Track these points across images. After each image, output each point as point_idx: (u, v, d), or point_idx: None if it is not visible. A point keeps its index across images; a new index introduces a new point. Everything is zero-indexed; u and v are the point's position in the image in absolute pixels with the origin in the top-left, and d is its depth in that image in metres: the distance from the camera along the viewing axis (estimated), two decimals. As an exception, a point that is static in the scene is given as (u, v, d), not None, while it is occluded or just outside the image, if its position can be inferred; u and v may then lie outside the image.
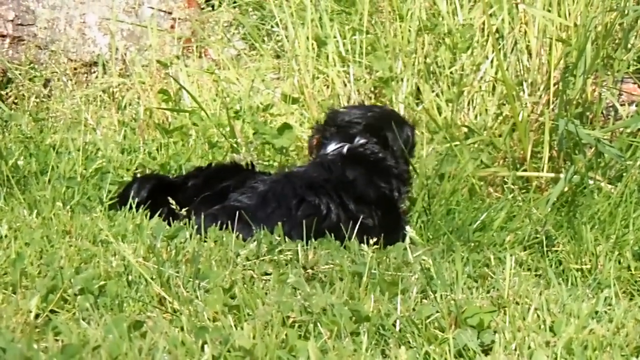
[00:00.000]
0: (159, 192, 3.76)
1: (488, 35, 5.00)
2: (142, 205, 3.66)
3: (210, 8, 6.32)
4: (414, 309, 2.68)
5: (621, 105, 4.77)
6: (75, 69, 5.95)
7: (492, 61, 4.96)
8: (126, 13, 6.19)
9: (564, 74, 4.49)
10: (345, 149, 3.76)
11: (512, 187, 4.17)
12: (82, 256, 3.00)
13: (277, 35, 5.83)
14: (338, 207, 3.54)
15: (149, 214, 3.59)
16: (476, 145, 4.53)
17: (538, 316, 2.65)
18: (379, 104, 5.01)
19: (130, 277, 2.84)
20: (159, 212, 3.57)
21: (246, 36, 6.14)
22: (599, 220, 3.80)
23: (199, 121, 5.02)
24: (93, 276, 2.78)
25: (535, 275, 3.34)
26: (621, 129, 4.41)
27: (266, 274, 2.96)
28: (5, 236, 3.17)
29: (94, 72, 6.03)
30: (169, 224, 3.41)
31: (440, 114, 4.85)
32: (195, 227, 3.32)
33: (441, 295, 2.78)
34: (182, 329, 2.48)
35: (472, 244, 3.62)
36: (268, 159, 4.66)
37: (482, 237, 3.71)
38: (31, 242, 3.10)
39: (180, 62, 5.76)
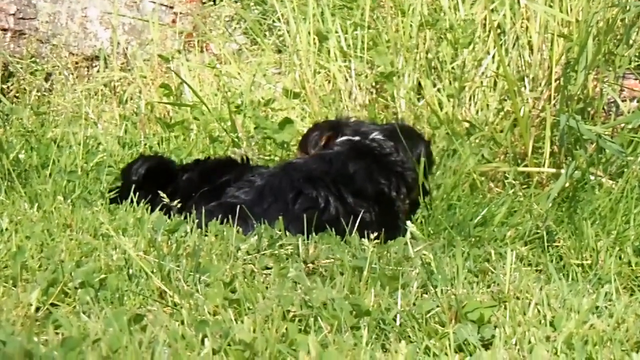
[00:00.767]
0: (155, 176, 3.78)
1: (490, 31, 5.00)
2: (139, 189, 3.71)
3: (211, 2, 6.32)
4: (414, 304, 2.68)
5: (622, 101, 4.76)
6: (76, 62, 5.96)
7: (493, 56, 4.96)
8: (128, 7, 6.19)
9: (566, 70, 4.48)
10: (354, 139, 3.75)
11: (513, 182, 4.17)
12: (83, 250, 3.00)
13: (279, 30, 5.83)
14: (337, 200, 3.52)
15: (149, 208, 3.61)
16: (477, 141, 4.53)
17: (538, 311, 2.65)
18: (380, 99, 5.02)
19: (130, 271, 2.85)
20: (154, 205, 3.59)
21: (248, 31, 6.14)
22: (599, 215, 3.79)
23: (200, 115, 5.02)
24: (94, 270, 2.78)
25: (536, 271, 3.34)
26: (622, 125, 4.40)
27: (267, 268, 2.96)
28: (6, 229, 3.17)
29: (95, 66, 6.03)
30: (165, 214, 3.43)
31: (441, 109, 4.84)
32: (196, 221, 3.33)
33: (442, 290, 2.78)
34: (182, 322, 2.48)
35: (473, 239, 3.62)
36: (269, 153, 4.66)
37: (482, 232, 3.70)
38: (32, 236, 3.10)
39: (182, 57, 5.76)
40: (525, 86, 4.73)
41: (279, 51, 5.85)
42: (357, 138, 3.79)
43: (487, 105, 4.87)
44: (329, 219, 3.45)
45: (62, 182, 3.95)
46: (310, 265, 3.03)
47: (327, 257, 3.07)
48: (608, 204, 3.84)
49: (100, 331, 2.34)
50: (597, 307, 2.76)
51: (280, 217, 3.31)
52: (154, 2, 6.21)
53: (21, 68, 5.76)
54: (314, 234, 3.33)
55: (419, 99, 4.98)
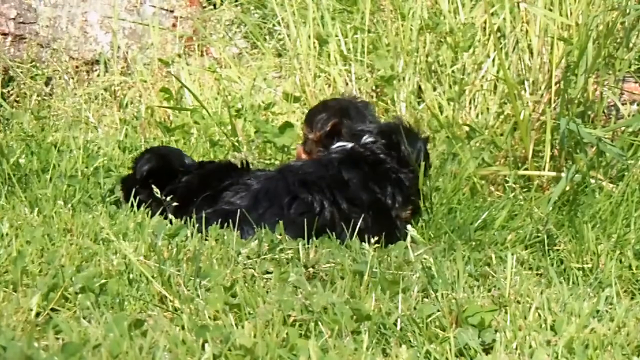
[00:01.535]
0: (158, 174, 3.83)
1: (489, 34, 5.00)
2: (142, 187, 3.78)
3: (212, 6, 6.33)
4: (415, 308, 2.68)
5: (622, 104, 4.76)
6: (76, 67, 5.96)
7: (493, 60, 4.96)
8: (128, 11, 6.19)
9: (566, 73, 4.48)
10: (349, 147, 3.75)
11: (514, 186, 4.17)
12: (83, 254, 3.01)
13: (279, 34, 5.84)
14: (332, 205, 3.53)
15: (149, 212, 3.62)
16: (478, 144, 4.53)
17: (539, 315, 2.65)
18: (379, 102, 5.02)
19: (131, 276, 2.85)
20: (158, 202, 3.63)
21: (248, 35, 6.14)
22: (600, 219, 3.79)
23: (200, 119, 5.02)
24: (94, 274, 2.78)
25: (537, 274, 3.34)
26: (622, 128, 4.40)
27: (267, 272, 2.96)
28: (7, 234, 3.17)
29: (96, 70, 6.03)
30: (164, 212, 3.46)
31: (441, 112, 4.84)
32: (196, 225, 3.33)
33: (442, 294, 2.78)
34: (182, 327, 2.48)
35: (474, 243, 3.62)
36: (269, 157, 4.66)
37: (483, 235, 3.70)
38: (32, 240, 3.10)
39: (182, 61, 5.77)
40: (525, 90, 4.73)
41: (279, 55, 5.86)
42: (351, 145, 3.78)
43: (488, 108, 4.87)
44: (324, 223, 3.45)
45: (63, 187, 3.95)
46: (310, 269, 3.03)
47: (327, 261, 3.07)
48: (608, 207, 3.83)
49: (100, 336, 2.34)
50: (597, 311, 2.76)
51: (281, 222, 3.31)
52: (154, 6, 6.21)
53: (21, 72, 5.76)
54: (310, 237, 3.33)
55: (419, 103, 4.99)
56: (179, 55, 5.92)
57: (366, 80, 5.14)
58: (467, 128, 4.70)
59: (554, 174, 4.26)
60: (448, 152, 4.35)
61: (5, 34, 5.90)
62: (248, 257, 3.04)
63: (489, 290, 2.89)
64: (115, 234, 3.16)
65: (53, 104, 5.66)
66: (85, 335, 2.38)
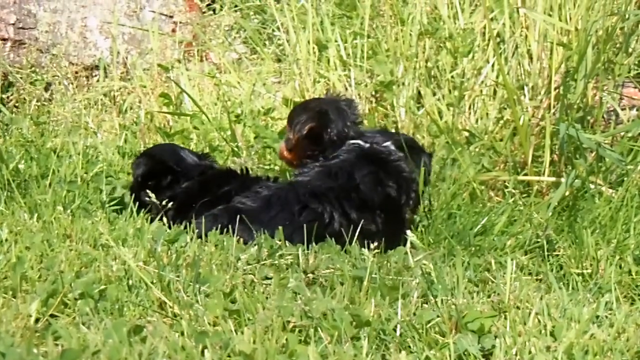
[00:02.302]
0: (153, 177, 3.88)
1: (489, 40, 5.00)
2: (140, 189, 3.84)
3: (211, 12, 6.33)
4: (414, 314, 2.68)
5: (622, 109, 4.76)
6: (76, 72, 5.96)
7: (493, 65, 4.96)
8: (127, 17, 6.19)
9: (565, 78, 4.49)
10: (364, 145, 3.75)
11: (513, 191, 4.17)
12: (83, 260, 3.00)
13: (278, 39, 5.84)
14: (341, 216, 3.54)
15: (149, 218, 3.63)
16: (477, 150, 4.53)
17: (539, 321, 2.65)
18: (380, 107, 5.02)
19: (130, 282, 2.84)
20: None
21: (247, 40, 6.15)
22: (600, 224, 3.79)
23: (200, 125, 5.02)
24: (93, 280, 2.78)
25: (536, 280, 3.34)
26: (622, 134, 4.40)
27: (267, 278, 2.96)
28: (6, 240, 3.17)
29: (95, 75, 6.04)
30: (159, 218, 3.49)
31: (441, 118, 4.84)
32: (196, 231, 3.33)
33: (442, 300, 2.78)
34: (182, 333, 2.48)
35: (473, 248, 3.62)
36: (269, 162, 4.66)
37: (483, 241, 3.70)
38: (31, 246, 3.10)
39: (182, 66, 5.77)
40: (524, 95, 4.73)
41: (279, 60, 5.86)
42: (367, 144, 3.77)
43: (487, 114, 4.87)
44: (332, 233, 3.46)
45: (62, 192, 3.94)
46: (310, 275, 3.03)
47: (327, 267, 3.07)
48: (608, 212, 3.83)
49: (100, 342, 2.33)
50: (597, 317, 2.76)
51: (280, 227, 3.32)
52: (154, 12, 6.22)
53: (21, 78, 5.76)
54: (315, 244, 3.34)
55: (418, 108, 4.99)
56: (179, 61, 5.92)
57: (366, 85, 5.14)
58: (466, 133, 4.71)
59: (553, 179, 4.26)
60: (447, 158, 4.36)
61: (4, 40, 5.90)
62: (247, 263, 3.04)
63: (489, 296, 2.89)
64: (115, 240, 3.16)
65: (52, 110, 5.66)
66: (84, 341, 2.38)
